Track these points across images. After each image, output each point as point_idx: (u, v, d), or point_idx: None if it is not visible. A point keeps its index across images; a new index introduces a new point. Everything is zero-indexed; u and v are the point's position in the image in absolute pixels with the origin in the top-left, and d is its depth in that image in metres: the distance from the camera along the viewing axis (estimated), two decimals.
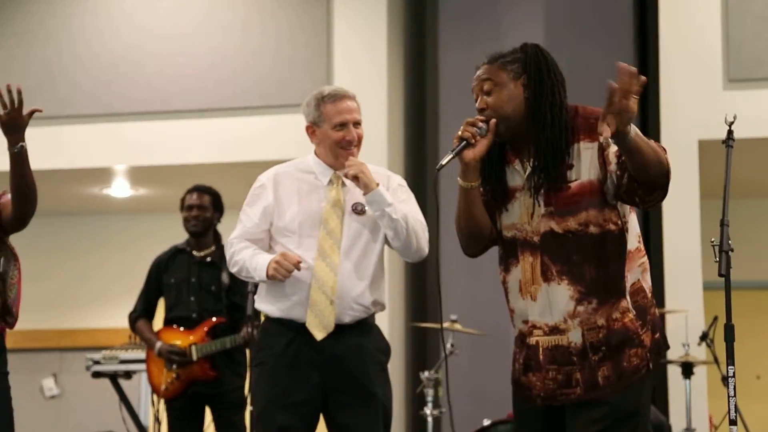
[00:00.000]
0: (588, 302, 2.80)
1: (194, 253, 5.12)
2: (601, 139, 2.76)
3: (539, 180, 2.83)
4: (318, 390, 3.38)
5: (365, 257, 3.42)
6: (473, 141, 2.85)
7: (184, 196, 5.25)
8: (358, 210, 3.45)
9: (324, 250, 3.38)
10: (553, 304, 2.82)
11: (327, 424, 3.44)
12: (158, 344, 4.98)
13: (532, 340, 2.85)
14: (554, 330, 2.82)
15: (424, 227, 3.49)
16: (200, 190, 5.26)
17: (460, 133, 2.86)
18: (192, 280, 5.04)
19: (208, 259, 5.10)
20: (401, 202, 3.47)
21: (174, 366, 4.94)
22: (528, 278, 2.86)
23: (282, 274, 3.31)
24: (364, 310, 3.43)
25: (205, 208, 5.17)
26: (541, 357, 2.83)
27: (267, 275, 3.33)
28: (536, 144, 2.84)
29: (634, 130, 2.63)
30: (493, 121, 2.86)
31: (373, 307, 3.45)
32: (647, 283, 2.90)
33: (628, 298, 2.83)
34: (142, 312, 5.15)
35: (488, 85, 2.90)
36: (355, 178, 3.36)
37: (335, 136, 3.42)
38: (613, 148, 2.78)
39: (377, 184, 3.36)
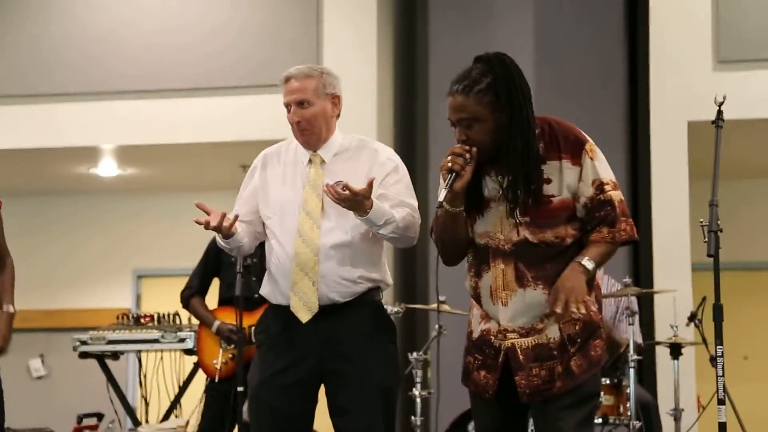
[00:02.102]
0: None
1: None
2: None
3: (515, 197, 2.96)
4: (313, 372, 3.36)
5: (347, 234, 3.38)
6: (462, 172, 2.95)
7: None
8: (339, 188, 3.43)
9: (303, 232, 3.37)
10: (529, 308, 2.98)
11: (328, 406, 3.44)
12: (216, 323, 4.86)
13: (507, 343, 3.00)
14: (532, 331, 2.99)
15: (415, 218, 3.43)
16: None
17: (449, 165, 2.95)
18: (254, 260, 4.90)
19: None
20: (393, 184, 3.42)
21: (231, 346, 4.86)
22: (499, 284, 3.01)
23: (211, 227, 3.37)
24: (358, 285, 3.39)
25: None
26: (521, 357, 2.98)
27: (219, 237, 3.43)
28: (509, 167, 2.97)
29: (591, 268, 2.94)
30: (475, 149, 2.96)
31: (367, 282, 3.41)
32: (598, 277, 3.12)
33: (591, 292, 3.02)
34: (198, 289, 4.99)
35: (467, 120, 2.98)
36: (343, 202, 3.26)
37: (289, 118, 3.47)
38: (586, 192, 2.99)
39: (369, 208, 3.25)
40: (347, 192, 3.18)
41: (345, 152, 3.48)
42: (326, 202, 3.39)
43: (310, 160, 3.46)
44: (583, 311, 2.92)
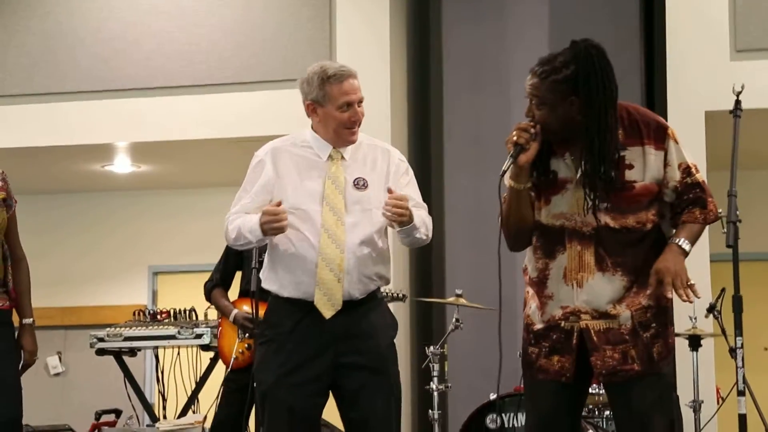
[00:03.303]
0: (635, 288, 3.03)
1: None
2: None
3: (593, 186, 3.00)
4: (328, 369, 3.36)
5: (370, 232, 3.39)
6: (527, 146, 3.00)
7: None
8: (360, 185, 3.42)
9: (329, 227, 3.35)
10: (604, 291, 3.03)
11: (337, 399, 3.44)
12: (234, 312, 4.88)
13: (582, 324, 3.03)
14: (604, 315, 3.03)
15: (428, 218, 3.48)
16: None
17: (515, 138, 3.01)
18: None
19: None
20: (406, 186, 3.46)
21: (247, 335, 4.85)
22: (575, 266, 3.04)
23: (275, 224, 3.28)
24: (374, 283, 3.42)
25: None
26: (595, 338, 3.02)
27: (262, 231, 3.31)
28: (588, 153, 3.00)
29: (688, 249, 3.04)
30: (539, 128, 3.02)
31: (380, 279, 3.44)
32: None
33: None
34: (219, 281, 5.01)
35: (536, 101, 3.03)
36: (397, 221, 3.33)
37: (341, 117, 3.38)
38: (674, 175, 3.06)
39: (411, 216, 3.34)
40: (404, 204, 3.27)
41: (358, 149, 3.48)
42: (348, 198, 3.39)
43: (330, 156, 3.45)
44: (692, 297, 2.97)
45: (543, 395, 3.11)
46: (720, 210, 3.21)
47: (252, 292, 4.30)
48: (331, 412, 3.56)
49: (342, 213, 3.37)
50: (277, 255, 3.44)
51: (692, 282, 3.00)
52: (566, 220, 3.05)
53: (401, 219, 3.29)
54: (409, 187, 3.48)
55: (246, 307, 4.87)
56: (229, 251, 5.02)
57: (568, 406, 3.10)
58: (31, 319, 4.03)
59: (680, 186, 3.06)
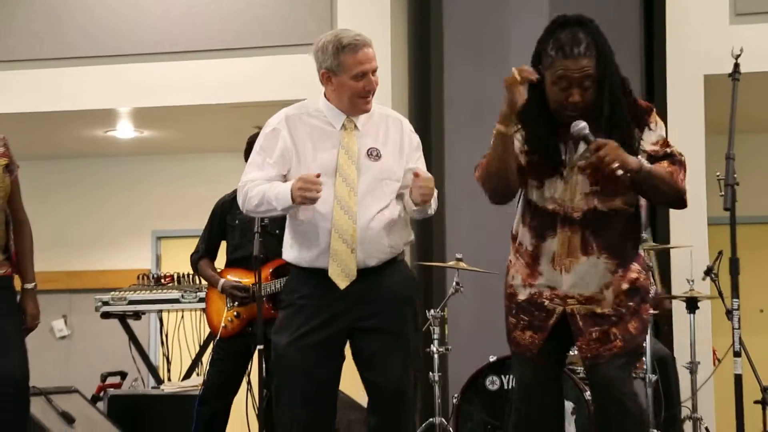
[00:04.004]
0: (620, 272, 3.07)
1: None
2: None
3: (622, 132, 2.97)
4: (342, 332, 3.38)
5: (382, 201, 3.38)
6: (533, 77, 2.97)
7: (251, 141, 5.08)
8: (374, 155, 3.41)
9: (342, 198, 3.34)
10: (592, 276, 3.05)
11: (356, 362, 3.44)
12: (222, 281, 4.88)
13: (567, 309, 3.07)
14: (590, 300, 3.06)
15: (435, 191, 3.46)
16: None
17: (516, 75, 2.95)
18: (264, 221, 4.91)
19: None
20: (417, 161, 3.47)
21: (235, 303, 4.87)
22: (563, 251, 3.06)
23: (309, 194, 3.23)
24: (390, 251, 3.41)
25: None
26: (580, 323, 3.07)
27: (293, 200, 3.26)
28: (611, 122, 2.98)
29: (644, 169, 2.93)
30: (535, 75, 2.97)
31: (395, 247, 3.43)
32: None
33: (637, 259, 3.13)
34: (205, 252, 5.00)
35: (589, 81, 2.98)
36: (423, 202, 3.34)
37: (356, 87, 3.35)
38: (649, 147, 3.03)
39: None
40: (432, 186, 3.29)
41: (370, 119, 3.46)
42: (361, 169, 3.38)
43: (343, 126, 3.42)
44: (619, 170, 2.88)
45: (522, 366, 3.18)
46: (718, 173, 3.22)
47: (255, 257, 4.31)
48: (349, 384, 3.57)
49: (355, 184, 3.35)
50: (294, 227, 3.44)
51: (616, 165, 2.93)
52: (558, 205, 3.06)
53: (427, 200, 3.31)
54: (419, 162, 3.49)
55: (231, 276, 4.89)
56: (212, 221, 5.03)
57: (547, 375, 3.15)
58: (33, 284, 4.04)
59: (656, 154, 3.03)
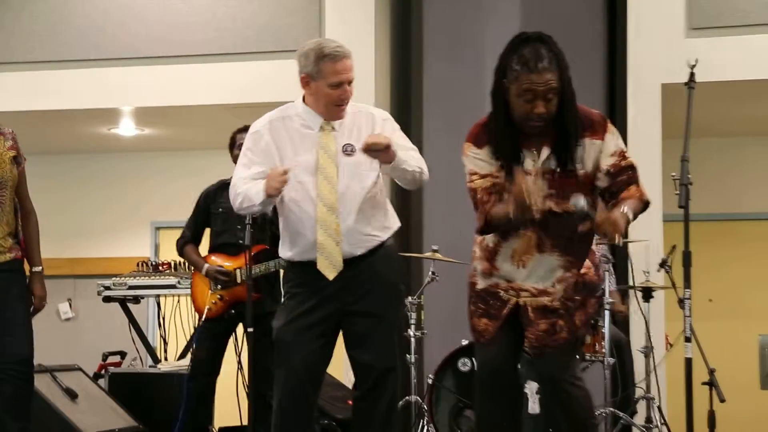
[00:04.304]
0: (573, 269, 3.07)
1: None
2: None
3: (568, 163, 2.99)
4: (332, 315, 3.40)
5: (362, 194, 3.40)
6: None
7: (234, 136, 5.10)
8: (348, 151, 3.42)
9: (324, 195, 3.36)
10: (545, 272, 3.06)
11: (345, 341, 3.47)
12: (206, 266, 4.89)
13: (520, 301, 3.07)
14: (542, 293, 3.07)
15: (420, 159, 3.46)
16: None
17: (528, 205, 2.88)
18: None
19: None
20: (392, 134, 3.44)
21: (219, 287, 4.87)
22: (523, 249, 3.06)
23: (275, 186, 3.27)
24: (374, 239, 3.43)
25: None
26: (531, 315, 3.07)
27: (266, 194, 3.30)
28: (561, 132, 2.97)
29: (630, 216, 2.94)
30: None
31: (381, 233, 3.45)
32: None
33: (589, 256, 3.15)
34: (190, 238, 5.02)
35: (552, 93, 2.96)
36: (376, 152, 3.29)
37: (331, 94, 3.36)
38: (608, 161, 3.02)
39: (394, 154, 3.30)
40: (382, 142, 3.23)
41: (345, 117, 3.46)
42: (339, 165, 3.37)
43: (321, 128, 3.42)
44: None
45: (479, 350, 3.20)
46: (673, 173, 3.23)
47: (246, 246, 4.31)
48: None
49: (335, 181, 3.36)
50: (284, 226, 3.47)
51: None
52: None
53: (377, 148, 3.25)
54: (396, 134, 3.47)
55: (215, 258, 4.92)
56: (197, 209, 5.05)
57: (502, 360, 3.13)
58: (40, 267, 4.02)
59: (614, 168, 3.03)
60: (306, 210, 3.37)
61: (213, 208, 4.96)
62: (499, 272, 3.11)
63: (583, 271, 3.10)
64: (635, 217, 3.02)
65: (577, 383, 3.08)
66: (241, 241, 4.52)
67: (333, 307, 3.39)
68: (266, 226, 4.86)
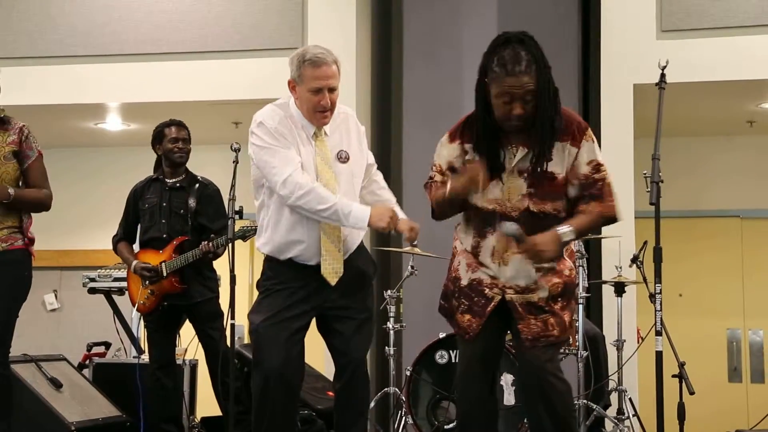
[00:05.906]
0: (552, 269, 3.04)
1: (167, 180, 5.04)
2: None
3: (538, 163, 2.95)
4: (315, 307, 3.39)
5: (355, 200, 3.40)
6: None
7: (161, 130, 5.10)
8: (343, 158, 3.40)
9: None
10: (525, 270, 3.03)
11: (321, 329, 3.46)
12: (134, 263, 4.91)
13: (507, 297, 3.05)
14: (526, 290, 3.05)
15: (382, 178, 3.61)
16: (178, 124, 5.19)
17: (468, 182, 2.93)
18: (163, 204, 4.95)
19: (178, 184, 5.02)
20: (368, 150, 3.55)
21: (147, 282, 4.87)
22: (502, 246, 3.03)
23: (383, 226, 3.27)
24: (359, 239, 3.47)
25: (187, 141, 5.13)
26: (521, 310, 3.05)
27: (373, 227, 3.28)
28: (542, 132, 2.94)
29: (567, 238, 2.92)
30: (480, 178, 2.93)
31: (362, 231, 3.47)
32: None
33: (567, 257, 3.11)
34: (122, 236, 5.07)
35: (530, 95, 2.92)
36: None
37: (312, 100, 3.30)
38: (581, 170, 2.98)
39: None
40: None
41: (333, 121, 3.43)
42: (337, 175, 3.36)
43: (314, 134, 3.38)
44: (546, 266, 2.99)
45: (461, 345, 3.17)
46: (645, 171, 3.21)
47: (228, 239, 4.29)
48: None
49: (335, 189, 3.33)
50: (279, 223, 3.37)
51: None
52: (498, 205, 3.03)
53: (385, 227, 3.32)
54: (370, 153, 3.54)
55: (143, 253, 4.96)
56: (127, 208, 5.10)
57: (483, 355, 3.11)
58: (12, 191, 3.95)
59: (586, 180, 2.99)
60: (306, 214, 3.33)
61: (141, 204, 5.01)
62: (484, 268, 3.09)
63: (566, 272, 3.07)
64: (582, 234, 3.01)
65: (561, 377, 3.07)
66: (164, 236, 4.68)
67: (315, 302, 3.37)
68: (188, 216, 4.87)
